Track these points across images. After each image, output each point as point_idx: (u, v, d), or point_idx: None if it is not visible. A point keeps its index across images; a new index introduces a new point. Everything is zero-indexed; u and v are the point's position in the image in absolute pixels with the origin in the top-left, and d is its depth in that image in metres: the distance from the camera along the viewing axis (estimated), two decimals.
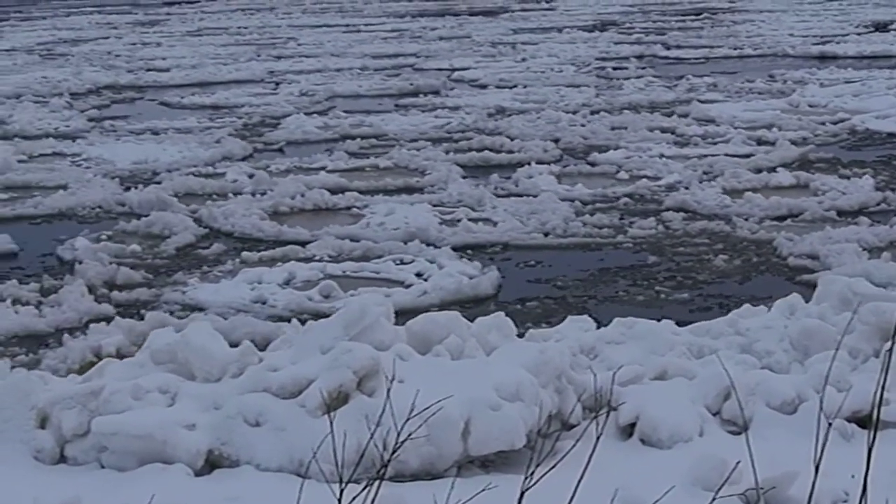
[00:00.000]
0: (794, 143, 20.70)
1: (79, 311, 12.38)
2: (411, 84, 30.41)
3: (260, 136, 23.48)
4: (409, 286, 13.19)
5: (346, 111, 26.22)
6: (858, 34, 40.13)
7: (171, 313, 12.42)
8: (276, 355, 8.00)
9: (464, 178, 18.76)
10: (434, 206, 17.03)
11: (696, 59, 35.07)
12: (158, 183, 18.92)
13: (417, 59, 36.37)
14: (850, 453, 5.97)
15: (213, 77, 33.23)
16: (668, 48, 37.42)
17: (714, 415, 7.83)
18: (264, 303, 12.86)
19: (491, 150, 21.03)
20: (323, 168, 20.10)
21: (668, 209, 16.32)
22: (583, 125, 23.43)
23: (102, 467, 7.25)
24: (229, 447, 7.22)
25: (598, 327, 9.52)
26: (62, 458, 7.39)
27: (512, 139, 21.78)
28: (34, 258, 14.92)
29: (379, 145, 22.25)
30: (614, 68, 32.46)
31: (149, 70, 35.03)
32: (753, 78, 30.07)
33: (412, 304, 12.24)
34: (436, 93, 29.06)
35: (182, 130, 24.27)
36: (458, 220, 15.83)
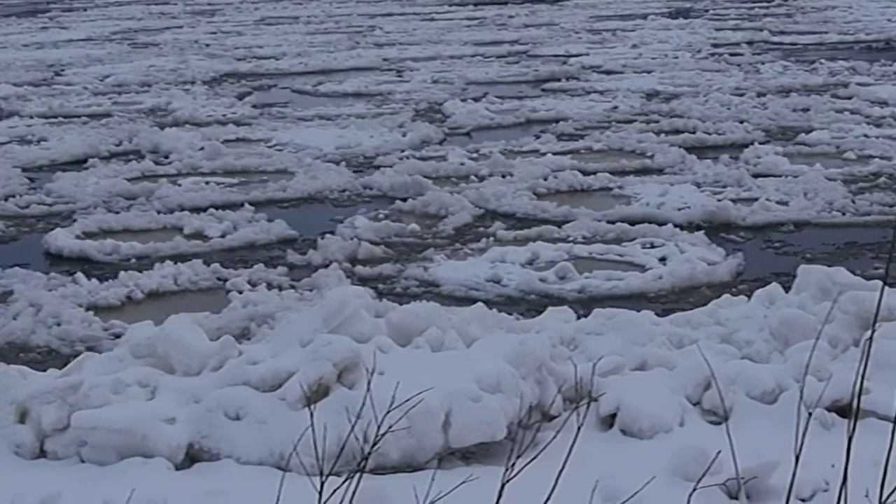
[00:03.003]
0: None
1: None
2: (536, 70, 30.29)
3: (443, 123, 23.30)
4: (646, 270, 13.22)
5: (498, 97, 25.95)
6: None
7: (407, 289, 12.76)
8: (255, 348, 8.00)
9: (700, 159, 18.77)
10: (697, 185, 17.08)
11: (810, 44, 34.77)
12: (388, 166, 18.90)
13: (523, 45, 36.11)
14: (830, 443, 5.97)
15: (330, 65, 33.02)
16: (773, 34, 37.02)
17: (694, 405, 7.83)
18: (498, 282, 12.93)
19: (684, 131, 21.14)
20: (536, 151, 20.08)
21: None
22: (755, 107, 23.47)
23: (82, 462, 7.25)
24: (209, 441, 7.22)
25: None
26: (42, 453, 7.39)
27: (703, 121, 21.91)
28: (312, 240, 14.72)
29: (578, 128, 22.15)
30: (731, 54, 32.25)
31: (255, 58, 34.89)
32: (889, 62, 29.90)
33: (642, 289, 12.47)
34: (575, 78, 28.90)
35: (357, 116, 24.11)
36: (755, 199, 15.88)
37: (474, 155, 19.84)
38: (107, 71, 32.77)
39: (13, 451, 7.35)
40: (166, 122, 24.12)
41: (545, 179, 17.37)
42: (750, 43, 34.87)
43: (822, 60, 30.16)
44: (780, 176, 17.34)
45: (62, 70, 33.43)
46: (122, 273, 13.22)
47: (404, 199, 16.48)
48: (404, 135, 21.79)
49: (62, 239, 14.76)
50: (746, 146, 19.50)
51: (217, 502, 6.63)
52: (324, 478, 4.34)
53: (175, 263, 13.55)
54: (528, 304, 12.17)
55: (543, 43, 36.56)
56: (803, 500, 6.57)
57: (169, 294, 12.96)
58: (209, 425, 7.27)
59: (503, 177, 17.72)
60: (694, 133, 20.82)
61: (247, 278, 13.05)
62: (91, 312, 12.09)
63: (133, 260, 14.04)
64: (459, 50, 35.38)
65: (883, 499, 4.09)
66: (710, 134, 20.82)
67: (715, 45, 34.47)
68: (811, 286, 9.30)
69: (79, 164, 20.02)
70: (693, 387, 7.88)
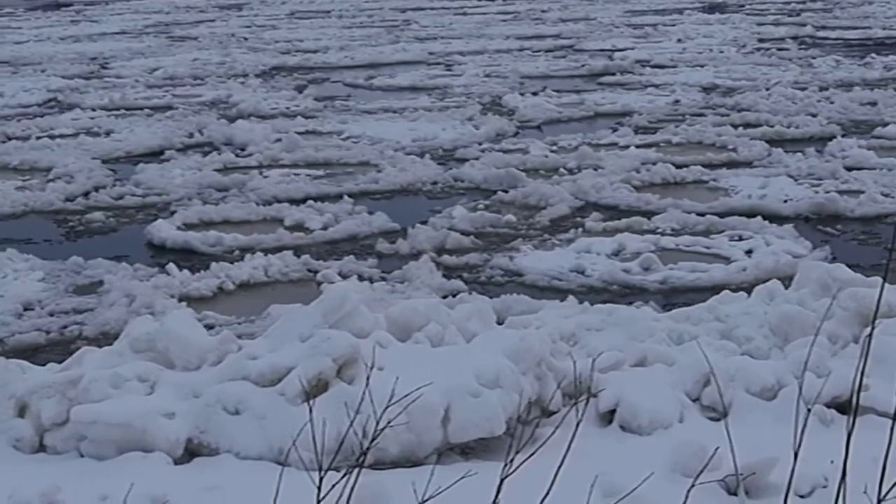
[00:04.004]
0: None
1: (431, 286, 12.41)
2: (585, 65, 30.40)
3: (511, 116, 23.32)
4: (731, 262, 13.21)
5: (555, 90, 26.15)
6: None
7: (491, 278, 12.88)
8: (255, 343, 8.00)
9: (785, 153, 18.75)
10: (793, 178, 17.08)
11: (856, 39, 34.76)
12: (475, 159, 18.94)
13: (566, 40, 36.33)
14: (829, 439, 5.96)
15: (377, 59, 33.18)
16: (816, 29, 37.08)
17: (694, 401, 7.82)
18: (582, 272, 13.03)
19: (757, 125, 21.18)
20: (615, 144, 20.12)
21: None
22: (821, 101, 23.48)
23: (82, 456, 7.25)
24: (209, 435, 7.22)
25: None
26: (41, 447, 7.39)
27: (774, 115, 21.95)
28: (406, 232, 14.73)
29: (652, 122, 22.18)
30: (778, 49, 32.32)
31: (300, 52, 35.06)
32: None
33: (724, 281, 12.41)
34: (629, 72, 28.98)
35: (425, 109, 24.20)
36: (861, 192, 15.88)
37: (554, 148, 19.93)
38: (152, 64, 33.13)
39: (12, 446, 7.35)
40: (231, 114, 24.31)
41: (637, 172, 17.46)
42: (795, 38, 34.93)
43: (874, 55, 30.21)
44: (872, 169, 17.41)
45: (107, 63, 33.87)
46: (213, 264, 13.36)
47: (506, 191, 16.62)
48: (477, 128, 21.84)
49: (165, 230, 14.91)
50: (825, 140, 19.63)
51: (216, 497, 6.63)
52: (323, 472, 4.34)
53: (265, 255, 13.67)
54: (610, 295, 12.29)
55: (586, 37, 36.78)
56: (802, 497, 6.56)
57: (260, 285, 13.05)
58: (208, 420, 7.27)
59: (595, 169, 17.80)
60: (773, 127, 20.86)
61: (337, 270, 13.11)
62: (184, 303, 12.20)
63: (237, 252, 14.13)
64: (503, 44, 35.56)
65: (882, 495, 4.08)
66: (787, 128, 20.84)
67: (760, 41, 34.53)
68: (811, 282, 9.29)
69: (154, 155, 20.32)
70: (692, 383, 7.87)
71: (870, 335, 4.91)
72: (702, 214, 14.91)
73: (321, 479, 4.30)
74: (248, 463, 7.06)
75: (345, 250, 14.02)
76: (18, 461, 7.21)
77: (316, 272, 13.12)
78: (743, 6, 46.10)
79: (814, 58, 30.43)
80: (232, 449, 7.17)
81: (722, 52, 32.17)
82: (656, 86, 26.63)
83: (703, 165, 17.95)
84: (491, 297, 11.70)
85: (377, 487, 6.28)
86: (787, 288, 9.54)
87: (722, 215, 14.96)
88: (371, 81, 29.02)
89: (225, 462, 7.09)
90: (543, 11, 46.56)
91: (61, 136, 22.36)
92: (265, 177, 18.21)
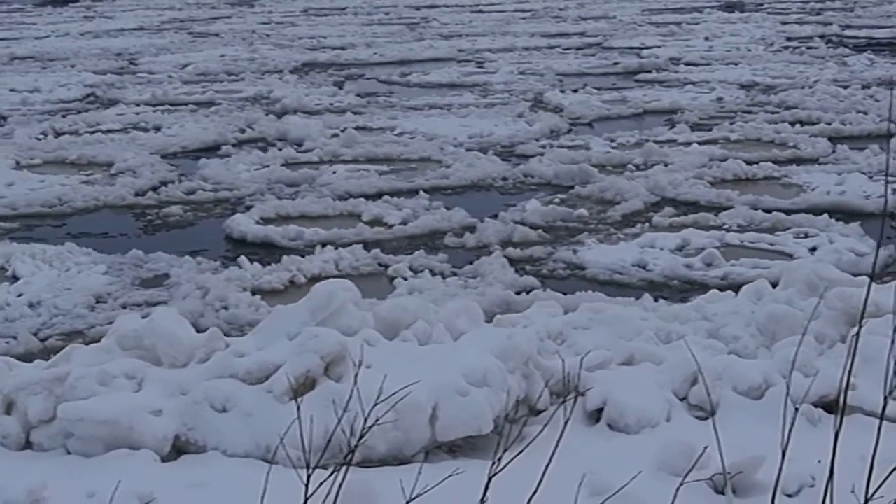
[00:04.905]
0: None
1: (504, 282, 12.42)
2: (617, 63, 30.42)
3: (560, 113, 23.31)
4: (794, 259, 13.09)
5: (595, 88, 26.23)
6: None
7: (553, 272, 12.95)
8: (242, 340, 7.99)
9: (852, 149, 18.73)
10: (864, 174, 17.07)
11: (885, 38, 34.76)
12: (539, 155, 18.97)
13: (592, 38, 36.44)
14: (816, 438, 5.97)
15: (407, 56, 33.31)
16: (842, 28, 37.08)
17: (681, 400, 7.81)
18: (644, 266, 13.12)
19: (808, 122, 21.22)
20: (673, 140, 20.10)
21: None
22: (865, 99, 23.40)
23: (69, 453, 7.24)
24: (196, 433, 7.21)
25: None
26: (28, 444, 7.38)
27: (825, 111, 21.95)
28: (484, 227, 14.75)
29: (703, 118, 22.19)
30: (808, 47, 32.31)
31: (328, 49, 35.23)
32: None
33: None
34: (665, 70, 29.01)
35: (472, 106, 24.20)
36: None
37: (614, 144, 19.96)
38: (181, 60, 33.32)
39: None
40: (275, 110, 24.36)
41: (708, 168, 17.50)
42: (822, 37, 34.94)
43: None
44: None
45: (134, 59, 34.11)
46: (284, 257, 13.44)
47: (583, 186, 16.64)
48: (531, 124, 21.88)
49: (245, 224, 15.00)
50: (881, 137, 19.65)
51: (203, 494, 6.62)
52: (310, 470, 4.33)
53: (336, 248, 13.76)
54: (671, 290, 12.38)
55: (612, 35, 36.92)
56: (789, 496, 6.56)
57: (331, 279, 12.98)
58: (196, 417, 7.26)
59: (665, 165, 17.79)
60: (830, 124, 20.85)
61: (408, 264, 13.20)
62: (257, 296, 12.30)
63: (317, 246, 14.09)
64: (530, 42, 35.70)
65: (869, 495, 4.09)
66: (843, 125, 20.83)
67: (788, 39, 34.59)
68: (798, 282, 9.30)
69: (210, 150, 20.44)
70: (680, 382, 7.87)
71: (857, 335, 4.91)
72: (768, 211, 14.94)
73: (308, 477, 4.29)
74: (235, 460, 7.05)
75: (415, 245, 14.13)
76: (5, 458, 7.20)
77: (387, 266, 13.23)
78: (762, 5, 46.29)
79: (845, 56, 30.48)
80: (219, 446, 7.16)
81: (750, 50, 32.25)
82: (694, 83, 26.70)
83: (772, 162, 17.97)
84: (564, 294, 11.76)
85: (365, 485, 6.27)
86: (774, 287, 9.57)
87: (802, 212, 14.98)
88: (407, 78, 29.07)
89: (212, 459, 7.08)
90: (560, 9, 46.78)
91: (110, 130, 22.56)
92: (334, 172, 18.25)
